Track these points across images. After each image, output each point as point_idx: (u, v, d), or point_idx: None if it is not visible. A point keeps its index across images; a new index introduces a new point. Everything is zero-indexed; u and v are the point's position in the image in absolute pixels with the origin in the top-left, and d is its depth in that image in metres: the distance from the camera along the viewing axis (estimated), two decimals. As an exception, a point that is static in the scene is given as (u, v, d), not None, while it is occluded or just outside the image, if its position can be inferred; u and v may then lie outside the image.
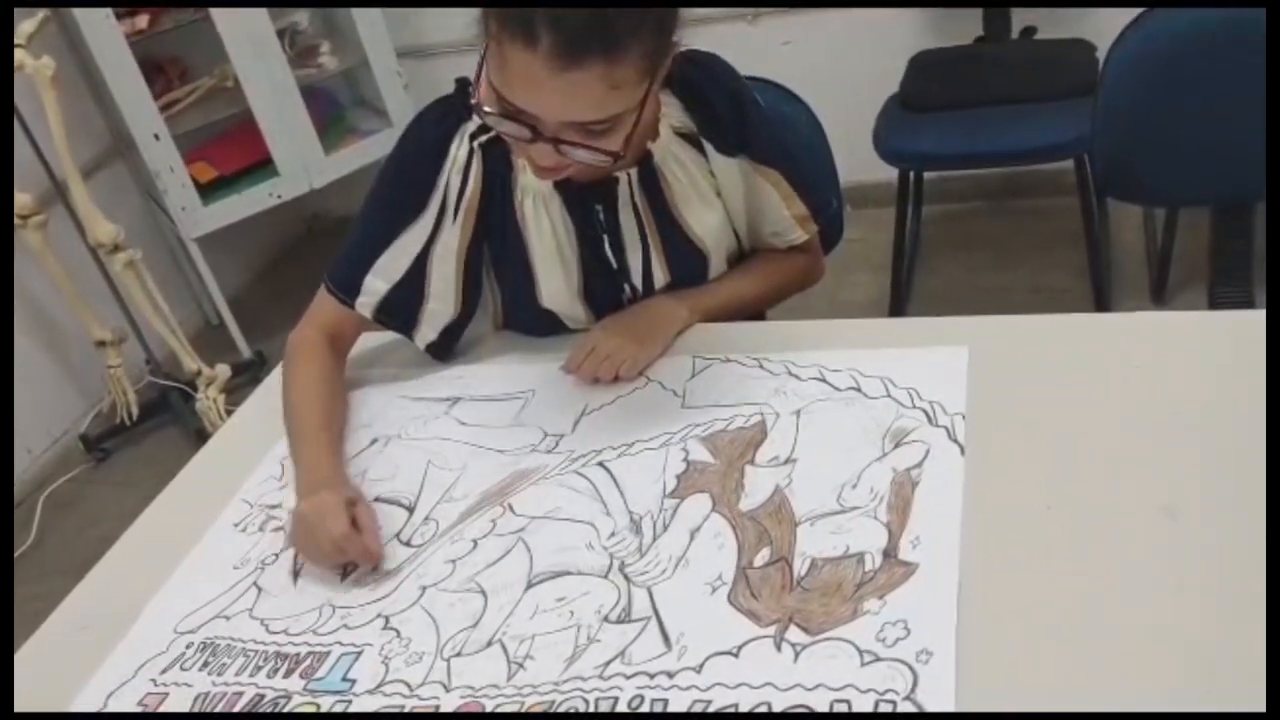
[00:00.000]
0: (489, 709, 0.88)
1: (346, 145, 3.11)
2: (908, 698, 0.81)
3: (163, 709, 0.96)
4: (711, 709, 0.84)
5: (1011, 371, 1.13)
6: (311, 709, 0.92)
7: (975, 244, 2.92)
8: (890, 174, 2.52)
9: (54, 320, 2.89)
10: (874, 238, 2.84)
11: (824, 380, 1.17)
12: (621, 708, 0.85)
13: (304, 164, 3.02)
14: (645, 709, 0.85)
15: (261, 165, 3.00)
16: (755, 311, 1.44)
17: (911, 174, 2.56)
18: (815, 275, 1.45)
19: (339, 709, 0.91)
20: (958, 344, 1.18)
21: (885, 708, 0.81)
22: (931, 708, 0.80)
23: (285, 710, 0.92)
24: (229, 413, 2.55)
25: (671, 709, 0.84)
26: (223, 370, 2.85)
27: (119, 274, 2.73)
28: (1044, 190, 2.92)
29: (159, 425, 2.94)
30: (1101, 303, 2.50)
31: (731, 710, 0.83)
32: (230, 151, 3.03)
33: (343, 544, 1.05)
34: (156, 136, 2.81)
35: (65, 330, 2.90)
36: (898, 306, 2.62)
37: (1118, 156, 1.78)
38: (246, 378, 2.93)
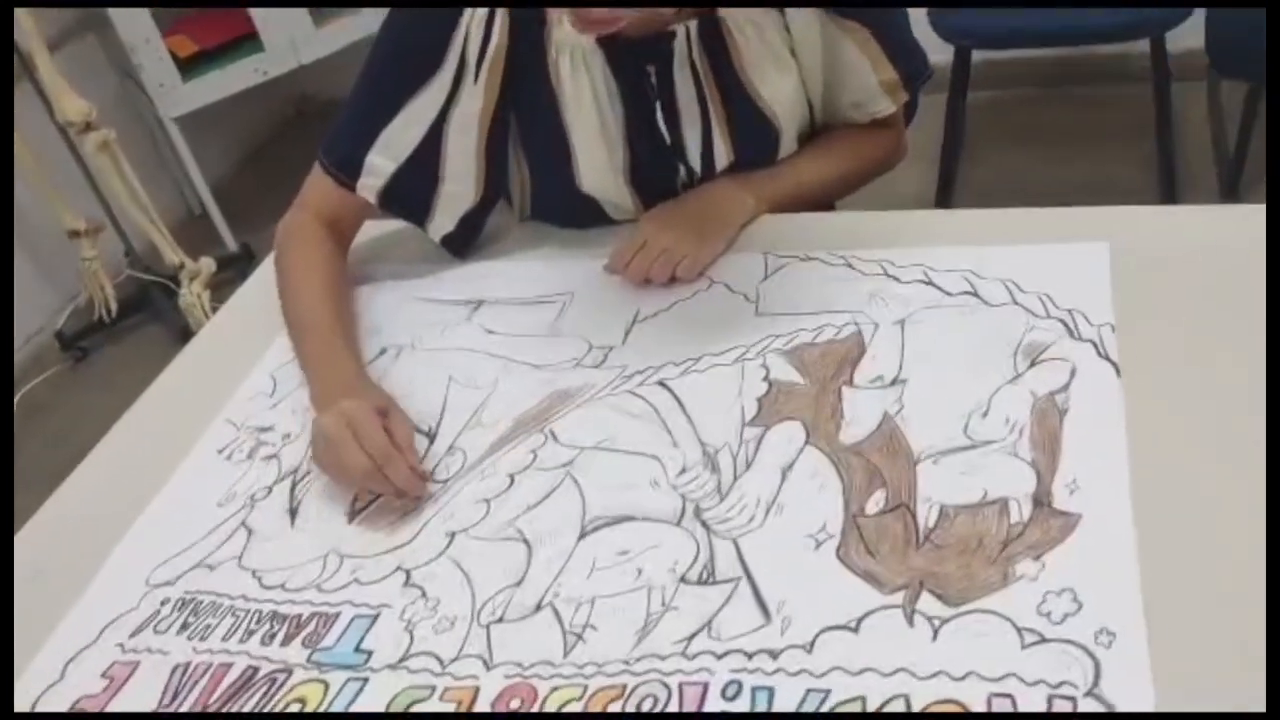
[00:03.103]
0: (543, 693, 0.70)
1: (339, 18, 2.86)
2: (1090, 693, 0.63)
3: (133, 681, 0.77)
4: (831, 702, 0.65)
5: (1159, 273, 0.94)
6: (319, 687, 0.74)
7: (1026, 135, 2.70)
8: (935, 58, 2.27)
9: (22, 208, 2.66)
10: (914, 128, 2.62)
11: (930, 283, 0.98)
12: (713, 696, 0.67)
13: (291, 38, 2.79)
14: (745, 699, 0.67)
15: (246, 39, 2.78)
16: (827, 201, 1.23)
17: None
18: (898, 157, 1.25)
19: (352, 688, 0.73)
20: (1086, 239, 0.98)
21: (1062, 706, 0.62)
22: (1124, 707, 0.62)
23: (287, 687, 0.74)
24: (214, 310, 2.39)
25: (778, 701, 0.66)
26: (207, 264, 2.65)
27: (92, 157, 2.50)
28: (1103, 77, 2.69)
29: (140, 323, 2.76)
30: (1170, 200, 2.30)
31: (856, 704, 0.65)
32: (212, 24, 2.80)
33: (381, 463, 0.85)
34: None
35: (35, 219, 2.68)
36: (944, 202, 2.41)
37: (1232, 32, 1.55)
38: (233, 272, 2.73)
